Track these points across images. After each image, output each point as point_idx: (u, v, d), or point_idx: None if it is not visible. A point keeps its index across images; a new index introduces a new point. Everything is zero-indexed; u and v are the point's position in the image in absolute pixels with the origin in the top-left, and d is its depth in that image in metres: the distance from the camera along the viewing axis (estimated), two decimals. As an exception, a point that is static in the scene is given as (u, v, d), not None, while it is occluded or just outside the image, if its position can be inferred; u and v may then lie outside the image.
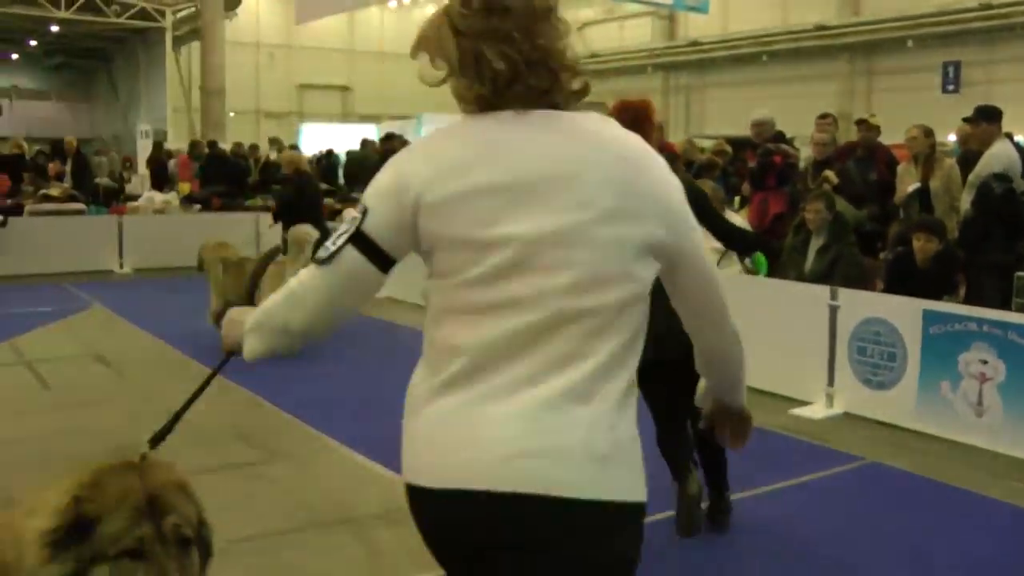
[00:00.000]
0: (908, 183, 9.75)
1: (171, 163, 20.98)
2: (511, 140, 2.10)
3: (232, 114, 34.63)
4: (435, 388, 2.13)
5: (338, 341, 10.29)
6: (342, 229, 2.20)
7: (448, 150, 2.15)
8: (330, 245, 2.19)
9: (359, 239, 2.16)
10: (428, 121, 33.68)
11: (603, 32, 43.44)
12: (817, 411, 7.65)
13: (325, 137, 34.69)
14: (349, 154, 22.35)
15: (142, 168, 23.75)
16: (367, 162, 20.06)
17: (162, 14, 32.14)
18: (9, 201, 15.59)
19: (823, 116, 11.27)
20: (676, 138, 20.61)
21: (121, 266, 15.66)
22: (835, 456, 6.71)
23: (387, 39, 46.10)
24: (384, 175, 2.21)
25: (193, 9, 32.52)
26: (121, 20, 31.75)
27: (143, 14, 31.80)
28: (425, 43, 2.28)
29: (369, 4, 32.13)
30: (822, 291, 7.76)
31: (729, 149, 13.15)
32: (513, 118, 2.11)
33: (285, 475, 6.35)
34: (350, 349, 9.92)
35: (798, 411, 7.66)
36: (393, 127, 32.60)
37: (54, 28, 33.84)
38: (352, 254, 2.16)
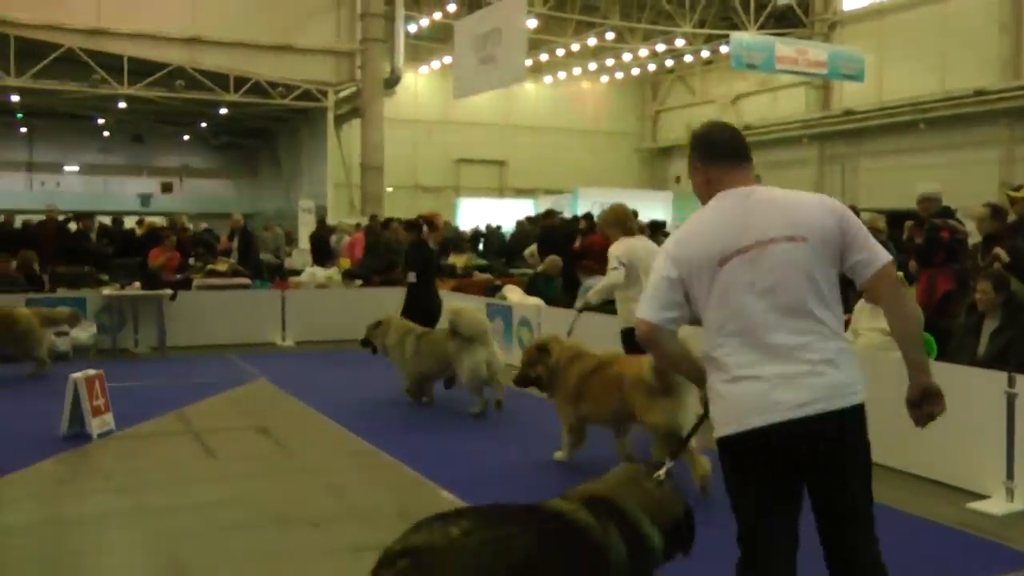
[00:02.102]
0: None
1: (332, 238, 21.50)
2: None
3: (390, 189, 35.45)
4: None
5: (495, 416, 10.33)
6: None
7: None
8: None
9: None
10: (584, 195, 33.86)
11: (757, 103, 43.11)
12: (996, 506, 7.17)
13: (482, 211, 35.21)
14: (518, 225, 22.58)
15: (303, 243, 24.44)
16: (528, 239, 20.34)
17: (324, 94, 33.19)
18: (178, 276, 16.20)
19: (1016, 188, 10.89)
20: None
21: (283, 339, 16.06)
22: (1016, 558, 6.27)
23: (542, 114, 46.75)
24: None
25: (354, 89, 33.52)
26: (286, 101, 32.89)
27: (307, 95, 32.90)
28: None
29: (524, 80, 32.61)
30: (998, 377, 7.34)
31: (882, 226, 12.76)
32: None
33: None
34: (508, 425, 9.91)
35: (975, 505, 7.21)
36: (549, 202, 32.91)
37: (223, 111, 35.30)
38: None
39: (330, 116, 33.62)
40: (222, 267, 16.85)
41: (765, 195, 3.89)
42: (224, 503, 7.30)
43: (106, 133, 44.24)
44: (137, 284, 15.30)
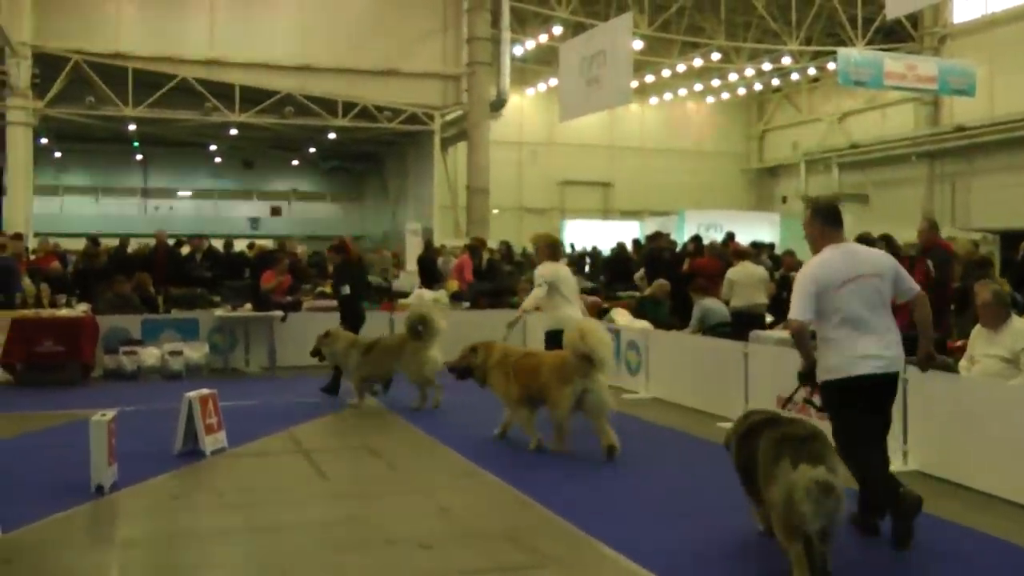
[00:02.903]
0: None
1: (440, 260, 21.61)
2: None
3: (496, 211, 35.60)
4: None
5: (593, 436, 10.22)
6: None
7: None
8: None
9: None
10: (691, 218, 33.59)
11: (864, 121, 42.36)
12: None
13: (587, 233, 35.17)
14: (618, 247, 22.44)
15: (410, 265, 24.61)
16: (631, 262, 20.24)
17: (431, 118, 33.52)
18: (289, 298, 16.43)
19: None
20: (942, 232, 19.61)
21: (389, 359, 16.16)
22: None
23: (647, 135, 46.62)
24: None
25: (460, 112, 33.78)
26: (393, 125, 33.30)
27: (413, 119, 33.27)
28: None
29: (630, 101, 32.48)
30: None
31: (975, 248, 12.43)
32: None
33: (554, 580, 6.26)
34: (623, 452, 9.80)
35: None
36: (655, 224, 32.71)
37: (331, 135, 35.88)
38: None
39: (436, 139, 33.94)
40: (331, 289, 17.04)
41: (854, 248, 7.08)
42: (335, 523, 7.33)
43: (218, 159, 45.38)
44: (248, 306, 15.60)
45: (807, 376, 6.82)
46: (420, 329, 12.09)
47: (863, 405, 6.59)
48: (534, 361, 9.69)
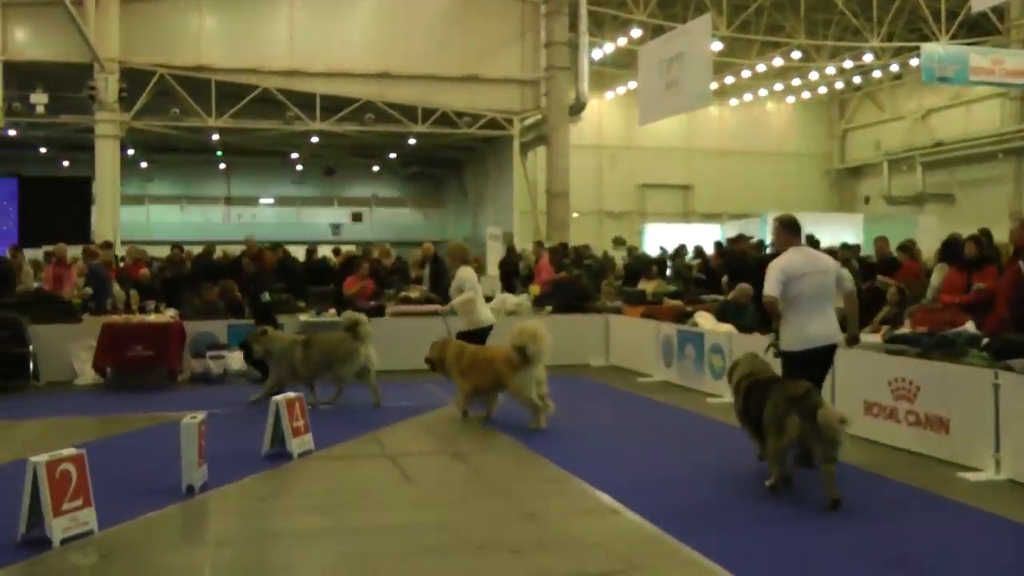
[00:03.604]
0: None
1: (521, 265, 21.58)
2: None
3: (576, 215, 35.54)
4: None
5: (690, 444, 10.16)
6: None
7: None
8: None
9: None
10: (772, 220, 33.20)
11: (948, 118, 41.56)
12: None
13: (668, 236, 34.93)
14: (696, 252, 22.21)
15: (491, 269, 24.63)
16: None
17: (510, 122, 33.58)
18: (372, 303, 16.53)
19: None
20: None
21: (472, 363, 16.19)
22: None
23: (727, 137, 46.27)
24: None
25: (539, 116, 33.80)
26: (472, 131, 33.43)
27: (493, 124, 33.35)
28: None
29: (710, 103, 32.24)
30: None
31: None
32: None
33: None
34: (705, 453, 9.74)
35: None
36: (735, 226, 32.37)
37: (411, 141, 36.12)
38: None
39: (515, 144, 33.98)
40: (414, 294, 17.11)
41: (809, 250, 9.30)
42: (422, 527, 7.35)
43: (299, 167, 45.92)
44: (332, 311, 15.73)
45: (776, 334, 9.06)
46: (357, 330, 12.84)
47: (808, 367, 8.72)
48: (489, 355, 11.50)
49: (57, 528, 6.76)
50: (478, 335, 12.52)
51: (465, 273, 12.73)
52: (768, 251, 18.18)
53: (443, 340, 12.14)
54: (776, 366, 9.02)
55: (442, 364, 11.91)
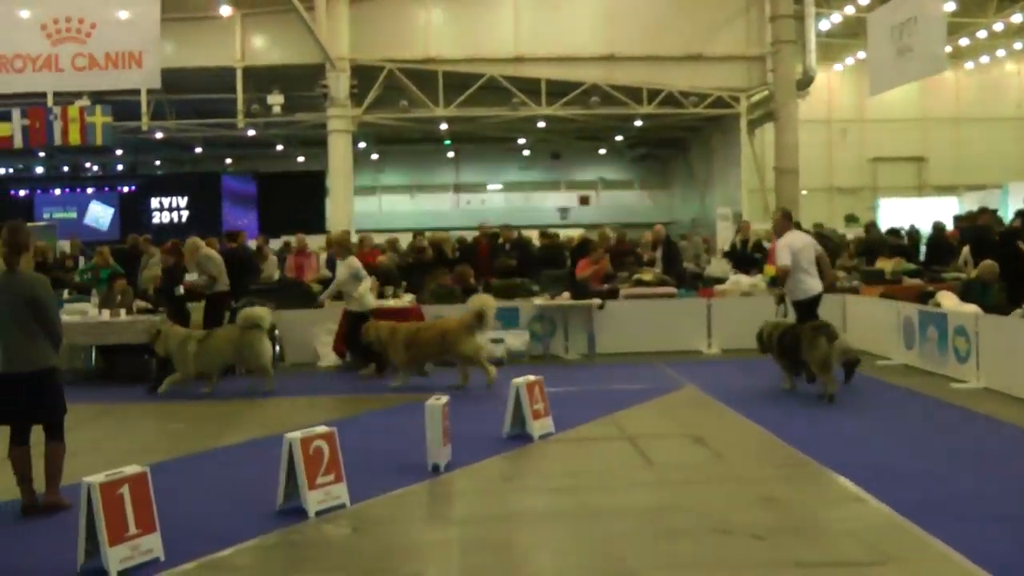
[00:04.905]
0: None
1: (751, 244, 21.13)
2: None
3: (804, 192, 34.58)
4: None
5: (921, 427, 9.75)
6: None
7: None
8: None
9: None
10: (1016, 191, 31.42)
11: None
12: None
13: (903, 211, 33.63)
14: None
15: (723, 246, 24.29)
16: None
17: (737, 100, 32.94)
18: (606, 286, 16.55)
19: None
20: None
21: (709, 347, 16.02)
22: None
23: (963, 104, 43.89)
24: None
25: (766, 92, 33.05)
26: (698, 110, 32.98)
27: (719, 102, 32.81)
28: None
29: (944, 68, 30.65)
30: None
31: None
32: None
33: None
34: (960, 448, 9.31)
35: None
36: (973, 199, 30.79)
37: (637, 123, 35.95)
38: None
39: (743, 122, 33.31)
40: (648, 277, 17.01)
41: (799, 232, 13.31)
42: (664, 509, 7.31)
43: (526, 152, 46.45)
44: (567, 294, 15.83)
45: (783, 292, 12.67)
46: (257, 324, 13.11)
47: (808, 308, 12.25)
48: (437, 328, 13.10)
49: (312, 501, 7.09)
50: (365, 317, 13.88)
51: (355, 262, 14.30)
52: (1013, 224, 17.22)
53: (370, 323, 13.47)
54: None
55: (380, 344, 13.13)
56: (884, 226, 27.05)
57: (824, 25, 35.56)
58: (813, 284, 12.35)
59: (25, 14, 23.76)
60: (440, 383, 12.61)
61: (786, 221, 12.88)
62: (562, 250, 19.51)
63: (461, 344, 12.71)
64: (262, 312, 13.37)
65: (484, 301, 13.17)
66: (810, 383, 11.80)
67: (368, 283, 14.52)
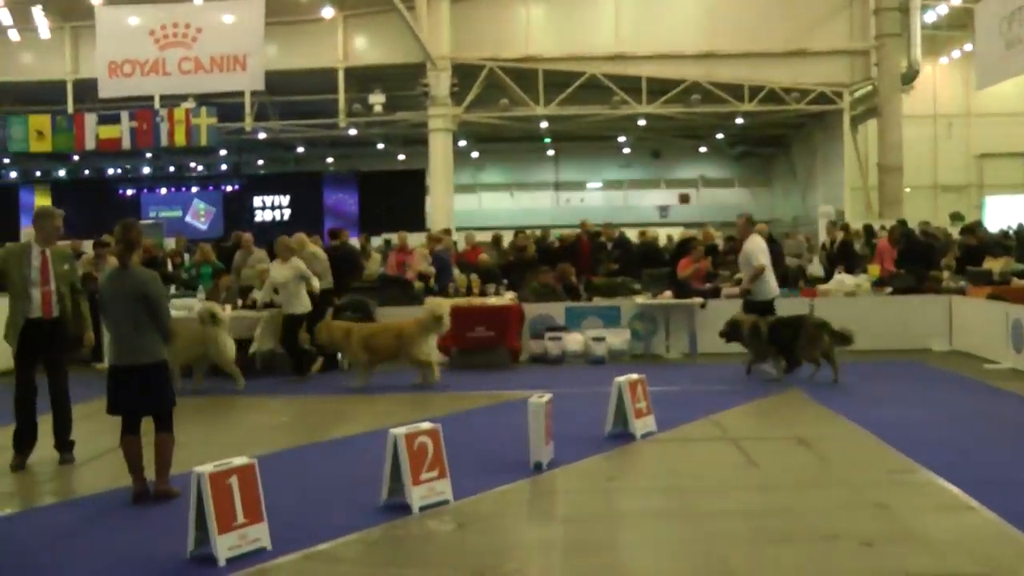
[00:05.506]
0: None
1: (857, 245, 20.81)
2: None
3: (908, 189, 33.87)
4: None
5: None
6: None
7: None
8: None
9: None
10: None
11: None
12: None
13: (1011, 210, 32.76)
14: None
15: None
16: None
17: (839, 96, 32.48)
18: (707, 285, 16.45)
19: None
20: None
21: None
22: None
23: (1078, 94, 42.40)
24: None
25: (870, 88, 32.50)
26: (800, 106, 32.59)
27: (821, 98, 32.39)
28: None
29: (1057, 59, 29.72)
30: None
31: None
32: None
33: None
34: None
35: None
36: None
37: (738, 120, 35.62)
38: None
39: (845, 118, 32.86)
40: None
41: (758, 236, 14.31)
42: (769, 513, 7.23)
43: (626, 150, 46.33)
44: (668, 293, 15.77)
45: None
46: (213, 319, 13.37)
47: (770, 309, 13.53)
48: (393, 330, 13.46)
49: (416, 496, 7.17)
50: (302, 320, 14.12)
51: (299, 263, 14.23)
52: None
53: (324, 324, 13.70)
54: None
55: (333, 345, 13.77)
56: (991, 225, 26.44)
57: (930, 17, 34.82)
58: (775, 286, 14.10)
59: (134, 21, 24.52)
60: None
61: (751, 225, 14.46)
62: (660, 249, 19.42)
63: (414, 347, 13.26)
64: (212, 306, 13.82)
65: (439, 304, 13.84)
66: (788, 373, 13.10)
67: (317, 280, 14.48)
